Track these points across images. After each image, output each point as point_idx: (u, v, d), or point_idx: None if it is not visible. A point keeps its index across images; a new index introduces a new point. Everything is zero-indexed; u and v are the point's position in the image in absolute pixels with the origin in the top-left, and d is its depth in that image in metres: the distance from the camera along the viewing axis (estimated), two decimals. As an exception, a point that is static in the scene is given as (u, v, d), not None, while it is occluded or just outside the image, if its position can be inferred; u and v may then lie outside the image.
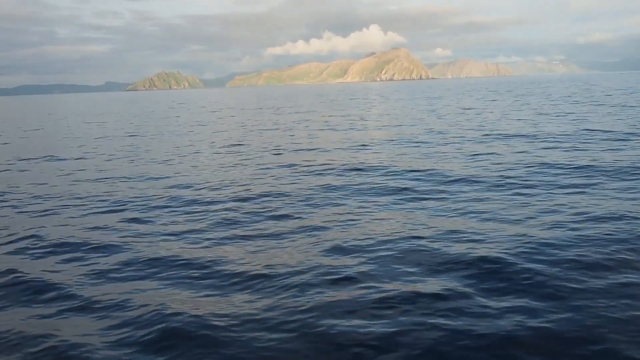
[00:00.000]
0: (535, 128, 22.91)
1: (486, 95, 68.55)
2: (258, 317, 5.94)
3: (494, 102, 48.86)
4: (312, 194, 11.84)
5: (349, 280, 6.76)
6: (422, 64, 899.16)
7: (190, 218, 10.33)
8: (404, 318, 5.60)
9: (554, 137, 19.34)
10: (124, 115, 52.39)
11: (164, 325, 5.74)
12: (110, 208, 11.38)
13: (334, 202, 11.13)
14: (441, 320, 5.52)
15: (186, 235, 9.16)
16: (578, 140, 18.22)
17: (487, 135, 21.40)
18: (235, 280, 7.05)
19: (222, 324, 5.80)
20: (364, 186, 12.43)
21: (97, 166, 17.52)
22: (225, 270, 7.36)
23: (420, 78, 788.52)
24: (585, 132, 20.55)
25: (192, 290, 6.81)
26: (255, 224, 9.69)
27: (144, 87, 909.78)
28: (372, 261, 7.43)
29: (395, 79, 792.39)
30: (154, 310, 6.15)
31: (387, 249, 7.87)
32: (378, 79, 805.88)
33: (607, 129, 20.85)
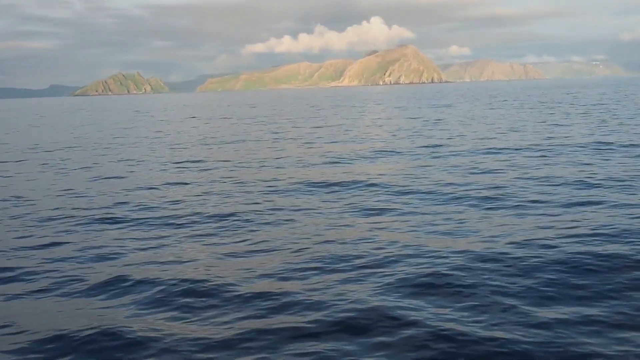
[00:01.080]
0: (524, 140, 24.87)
1: (505, 101, 71.17)
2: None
3: (511, 109, 51.06)
4: (263, 212, 13.53)
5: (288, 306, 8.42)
6: (434, 64, 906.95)
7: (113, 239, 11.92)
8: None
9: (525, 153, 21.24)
10: (54, 128, 52.62)
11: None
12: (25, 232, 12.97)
13: (279, 220, 12.81)
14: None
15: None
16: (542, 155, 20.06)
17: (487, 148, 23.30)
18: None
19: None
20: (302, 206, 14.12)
21: None
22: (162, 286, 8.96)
23: (432, 81, 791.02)
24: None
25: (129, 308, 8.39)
26: (197, 242, 11.32)
27: (96, 91, 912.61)
28: (322, 283, 9.11)
29: (401, 82, 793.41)
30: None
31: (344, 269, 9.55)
32: (381, 83, 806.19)
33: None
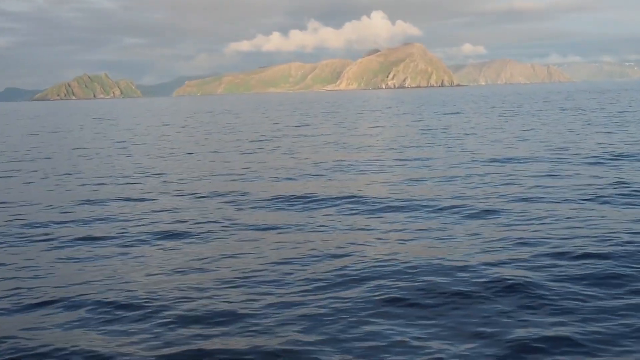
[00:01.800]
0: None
1: (521, 107, 72.24)
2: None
3: (526, 116, 52.01)
4: (216, 228, 14.20)
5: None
6: (444, 65, 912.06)
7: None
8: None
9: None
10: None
11: None
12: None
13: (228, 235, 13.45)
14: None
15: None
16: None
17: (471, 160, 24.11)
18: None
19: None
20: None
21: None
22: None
23: (442, 85, 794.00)
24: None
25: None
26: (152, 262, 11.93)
27: (57, 95, 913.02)
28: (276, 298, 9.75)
29: (407, 85, 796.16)
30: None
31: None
32: (384, 86, 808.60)
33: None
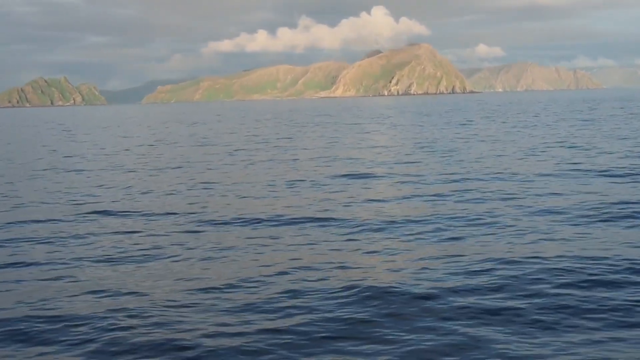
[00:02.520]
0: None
1: (537, 116, 73.19)
2: None
3: (542, 128, 52.80)
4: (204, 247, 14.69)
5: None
6: (455, 69, 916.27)
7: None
8: None
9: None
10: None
11: None
12: None
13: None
14: None
15: None
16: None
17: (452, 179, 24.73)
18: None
19: None
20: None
21: None
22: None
23: (453, 91, 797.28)
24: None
25: None
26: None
27: (9, 102, 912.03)
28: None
29: (412, 92, 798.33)
30: None
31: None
32: (386, 93, 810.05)
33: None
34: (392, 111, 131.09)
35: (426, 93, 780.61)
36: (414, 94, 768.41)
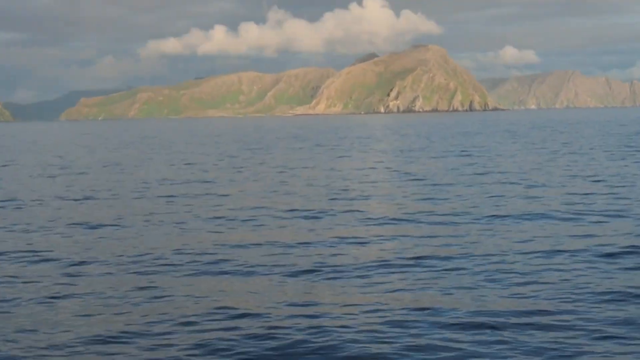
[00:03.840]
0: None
1: (567, 146, 74.79)
2: None
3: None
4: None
5: None
6: (474, 79, 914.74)
7: None
8: None
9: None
10: None
11: None
12: None
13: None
14: None
15: None
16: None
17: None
18: None
19: None
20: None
21: None
22: None
23: (471, 108, 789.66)
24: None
25: None
26: None
27: None
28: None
29: (417, 108, 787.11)
30: None
31: None
32: (382, 109, 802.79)
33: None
34: (386, 132, 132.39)
35: (435, 110, 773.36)
36: (419, 111, 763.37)
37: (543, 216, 27.43)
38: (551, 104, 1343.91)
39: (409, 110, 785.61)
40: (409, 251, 21.51)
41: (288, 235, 24.56)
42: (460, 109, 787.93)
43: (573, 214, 27.75)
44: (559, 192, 34.82)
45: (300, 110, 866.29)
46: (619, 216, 27.00)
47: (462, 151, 70.10)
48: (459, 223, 26.33)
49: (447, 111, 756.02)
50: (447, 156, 63.67)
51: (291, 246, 22.60)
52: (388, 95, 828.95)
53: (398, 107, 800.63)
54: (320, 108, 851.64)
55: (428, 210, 29.42)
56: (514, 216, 27.54)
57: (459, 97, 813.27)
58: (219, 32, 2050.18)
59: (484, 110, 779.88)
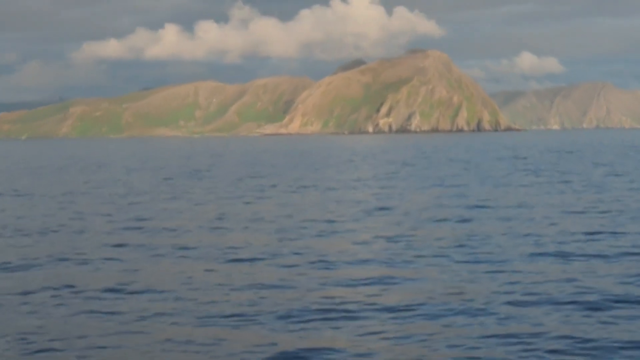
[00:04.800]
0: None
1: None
2: None
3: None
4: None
5: None
6: (484, 92, 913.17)
7: None
8: None
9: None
10: None
11: None
12: None
13: None
14: None
15: None
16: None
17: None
18: None
19: None
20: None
21: None
22: None
23: (479, 127, 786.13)
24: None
25: None
26: None
27: None
28: None
29: (414, 128, 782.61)
30: None
31: None
32: (371, 128, 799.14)
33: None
34: (366, 160, 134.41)
35: (435, 130, 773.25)
36: (415, 131, 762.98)
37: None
38: (577, 123, 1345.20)
39: (403, 129, 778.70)
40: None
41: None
42: (465, 128, 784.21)
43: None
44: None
45: (270, 129, 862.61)
46: None
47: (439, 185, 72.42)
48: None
49: (449, 131, 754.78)
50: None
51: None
52: (378, 111, 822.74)
53: (390, 126, 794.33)
54: (295, 126, 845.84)
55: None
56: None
57: (464, 114, 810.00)
58: (171, 33, 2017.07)
59: (495, 130, 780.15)
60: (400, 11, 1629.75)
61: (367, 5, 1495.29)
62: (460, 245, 34.57)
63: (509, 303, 23.99)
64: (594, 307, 23.44)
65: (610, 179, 74.75)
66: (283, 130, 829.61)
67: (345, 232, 40.06)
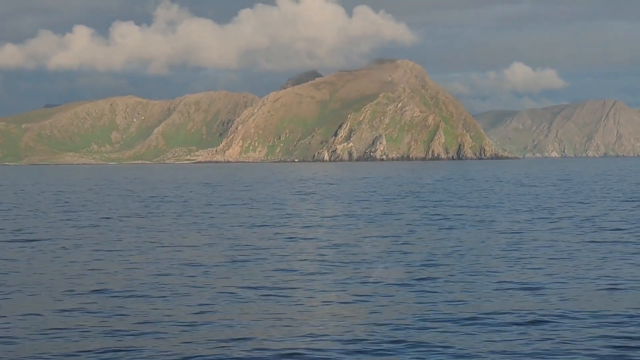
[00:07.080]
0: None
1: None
2: None
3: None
4: None
5: None
6: (465, 110, 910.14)
7: None
8: None
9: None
10: None
11: None
12: None
13: None
14: None
15: None
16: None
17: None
18: None
19: None
20: None
21: None
22: None
23: (459, 155, 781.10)
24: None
25: None
26: None
27: None
28: None
29: (379, 155, 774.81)
30: None
31: None
32: (326, 156, 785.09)
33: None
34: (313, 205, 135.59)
35: (406, 157, 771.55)
36: (381, 159, 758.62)
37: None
38: (581, 150, 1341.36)
39: (366, 157, 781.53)
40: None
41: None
42: (443, 155, 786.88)
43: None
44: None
45: (202, 155, 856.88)
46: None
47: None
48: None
49: (423, 159, 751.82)
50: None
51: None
52: (335, 134, 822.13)
53: (350, 153, 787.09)
54: (233, 152, 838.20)
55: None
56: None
57: (441, 138, 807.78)
58: (82, 36, 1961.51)
59: (480, 158, 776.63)
60: (363, 11, 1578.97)
61: (322, 4, 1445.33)
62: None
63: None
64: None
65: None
66: (219, 157, 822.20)
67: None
